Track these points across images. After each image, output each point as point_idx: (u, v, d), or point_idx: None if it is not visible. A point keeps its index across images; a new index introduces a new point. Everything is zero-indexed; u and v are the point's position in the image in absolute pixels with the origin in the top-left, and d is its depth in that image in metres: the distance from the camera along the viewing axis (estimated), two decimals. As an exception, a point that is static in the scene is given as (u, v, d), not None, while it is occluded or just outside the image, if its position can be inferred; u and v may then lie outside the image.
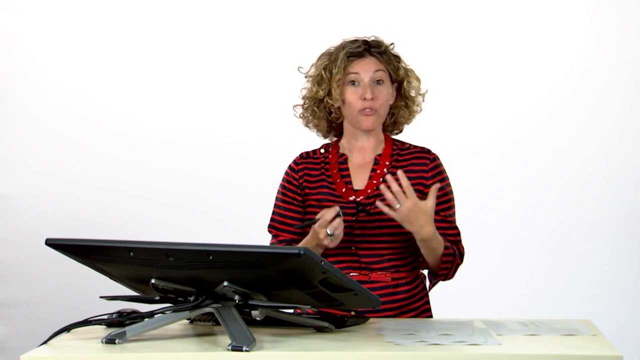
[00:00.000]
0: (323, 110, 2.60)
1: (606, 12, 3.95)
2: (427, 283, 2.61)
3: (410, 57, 2.62)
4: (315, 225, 2.38)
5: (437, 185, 2.40)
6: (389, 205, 2.35)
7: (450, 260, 2.47)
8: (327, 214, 2.36)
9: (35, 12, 4.08)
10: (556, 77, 3.99)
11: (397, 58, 2.58)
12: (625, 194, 3.96)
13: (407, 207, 2.33)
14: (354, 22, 3.84)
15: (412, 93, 2.59)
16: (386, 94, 2.53)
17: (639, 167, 3.96)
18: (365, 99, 2.50)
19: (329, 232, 2.36)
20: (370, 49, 2.55)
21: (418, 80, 2.60)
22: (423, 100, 2.63)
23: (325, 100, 2.57)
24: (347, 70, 2.52)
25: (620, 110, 3.98)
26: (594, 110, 3.98)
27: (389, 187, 2.34)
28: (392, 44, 2.60)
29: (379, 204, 2.37)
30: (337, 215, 2.37)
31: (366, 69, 2.52)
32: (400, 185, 2.34)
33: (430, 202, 2.36)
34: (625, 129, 3.97)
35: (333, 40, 2.60)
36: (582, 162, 3.98)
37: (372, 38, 2.59)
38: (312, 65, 2.60)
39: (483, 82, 4.01)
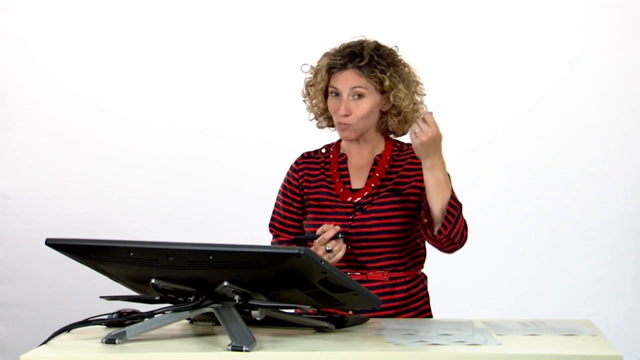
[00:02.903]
0: (321, 109, 2.61)
1: (606, 12, 3.95)
2: (430, 283, 2.61)
3: (409, 57, 2.60)
4: (315, 242, 2.41)
5: (431, 111, 2.38)
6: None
7: (455, 207, 2.41)
8: (327, 232, 2.39)
9: (36, 13, 4.08)
10: (556, 77, 3.99)
11: (386, 67, 2.49)
12: (625, 194, 3.97)
13: (427, 135, 2.34)
14: (356, 22, 3.83)
15: (402, 105, 2.52)
16: (366, 107, 2.49)
17: (638, 167, 3.97)
18: (339, 114, 2.50)
19: (327, 249, 2.39)
20: (353, 60, 2.49)
21: (409, 90, 2.52)
22: (417, 111, 2.55)
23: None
24: (330, 82, 2.53)
25: (620, 110, 3.98)
26: (594, 110, 3.98)
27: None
28: (393, 46, 2.55)
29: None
30: (336, 236, 2.39)
31: (345, 84, 2.50)
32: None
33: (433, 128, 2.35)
34: (625, 129, 3.97)
35: (335, 40, 2.58)
36: (581, 162, 3.98)
37: (365, 43, 2.52)
38: (311, 67, 2.61)
39: (482, 82, 4.01)
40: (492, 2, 4.02)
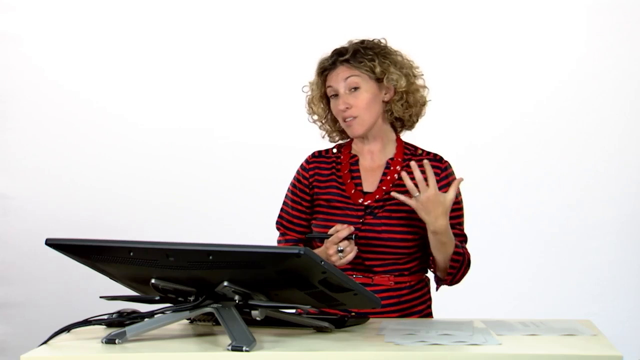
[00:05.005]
0: (330, 122, 2.64)
1: (606, 12, 3.96)
2: (432, 285, 2.61)
3: (411, 57, 2.61)
4: (327, 241, 2.40)
5: (461, 178, 2.40)
6: (407, 193, 2.39)
7: (459, 260, 2.47)
8: (340, 232, 2.38)
9: (34, 12, 4.08)
10: (557, 77, 3.99)
11: (374, 55, 2.53)
12: (625, 194, 3.97)
13: (427, 195, 2.36)
14: (356, 22, 3.84)
15: (398, 85, 2.53)
16: (365, 97, 2.52)
17: (639, 167, 3.97)
18: (340, 109, 2.52)
19: (339, 249, 2.37)
20: (339, 57, 2.54)
21: (402, 72, 2.54)
22: (423, 89, 2.59)
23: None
24: (325, 85, 2.57)
25: (621, 110, 3.98)
26: (596, 110, 3.99)
27: (410, 175, 2.38)
28: (375, 39, 2.58)
29: (394, 194, 2.41)
30: (349, 237, 2.38)
31: (337, 80, 2.53)
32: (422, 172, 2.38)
33: (451, 194, 2.38)
34: (626, 129, 3.98)
35: (337, 41, 2.60)
36: (582, 163, 3.98)
37: (348, 43, 2.57)
38: (309, 84, 2.64)
39: (485, 82, 4.02)
40: (494, 4, 4.02)
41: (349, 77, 2.52)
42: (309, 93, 2.62)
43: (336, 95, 2.54)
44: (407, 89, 2.55)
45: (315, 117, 2.64)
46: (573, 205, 3.99)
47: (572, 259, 3.99)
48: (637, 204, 3.96)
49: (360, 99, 2.52)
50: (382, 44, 2.58)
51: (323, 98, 2.59)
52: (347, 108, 2.51)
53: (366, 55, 2.53)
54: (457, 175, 2.57)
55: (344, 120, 2.53)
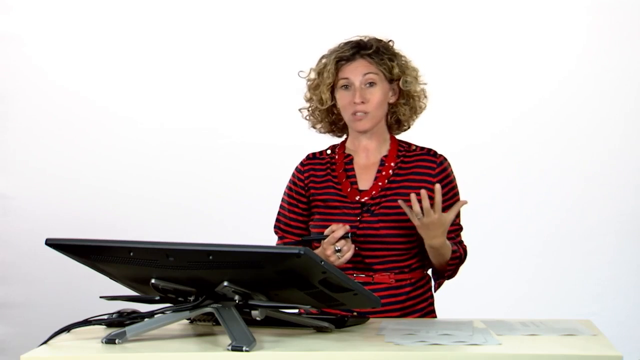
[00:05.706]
0: (324, 112, 2.61)
1: (606, 12, 3.96)
2: (433, 284, 2.61)
3: (412, 56, 2.61)
4: (324, 242, 2.39)
5: (465, 201, 2.41)
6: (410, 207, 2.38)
7: (455, 263, 2.50)
8: (336, 232, 2.37)
9: (34, 12, 4.08)
10: (557, 76, 3.99)
11: (392, 56, 2.55)
12: (625, 193, 3.97)
13: (431, 220, 2.36)
14: (357, 21, 3.84)
15: (411, 90, 2.56)
16: (379, 95, 2.52)
17: (639, 167, 3.96)
18: (355, 102, 2.51)
19: (336, 249, 2.37)
20: (361, 50, 2.53)
21: (416, 77, 2.57)
22: (425, 97, 2.61)
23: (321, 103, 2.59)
24: (339, 75, 2.54)
25: (621, 109, 3.98)
26: (595, 110, 3.99)
27: (418, 200, 2.35)
28: (390, 40, 2.59)
29: (401, 203, 2.40)
30: (345, 236, 2.38)
31: (356, 73, 2.52)
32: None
33: (451, 216, 2.38)
34: (625, 129, 3.98)
35: (337, 40, 2.60)
36: (582, 162, 3.98)
37: (365, 38, 2.57)
38: (310, 70, 2.61)
39: (484, 81, 4.01)
40: (495, 3, 4.02)
41: (368, 72, 2.52)
42: (317, 78, 2.57)
43: (347, 87, 2.53)
44: (419, 94, 2.58)
45: (317, 104, 2.59)
46: (573, 205, 3.99)
47: (572, 259, 3.99)
48: (637, 204, 3.96)
49: (376, 95, 2.52)
50: (393, 46, 2.59)
51: (331, 86, 2.56)
52: (362, 102, 2.51)
53: (386, 54, 2.54)
54: (454, 169, 2.58)
55: (354, 114, 2.52)
